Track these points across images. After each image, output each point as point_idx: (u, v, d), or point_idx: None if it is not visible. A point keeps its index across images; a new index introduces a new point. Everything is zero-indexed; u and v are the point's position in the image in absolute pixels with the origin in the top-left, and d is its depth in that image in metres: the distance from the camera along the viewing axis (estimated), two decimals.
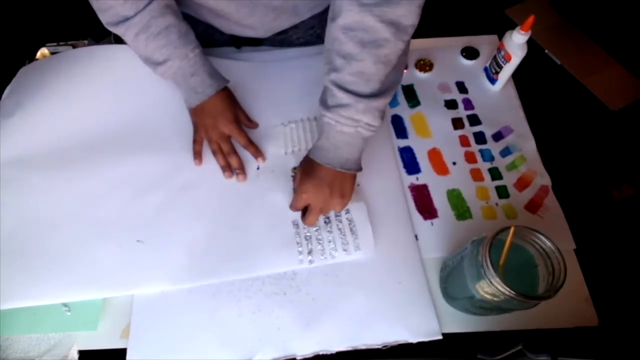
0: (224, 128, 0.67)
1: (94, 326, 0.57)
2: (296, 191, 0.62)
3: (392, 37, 0.50)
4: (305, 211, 0.62)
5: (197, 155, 0.68)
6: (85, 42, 0.83)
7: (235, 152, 0.68)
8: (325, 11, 0.75)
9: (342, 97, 0.53)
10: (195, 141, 0.68)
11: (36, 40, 0.83)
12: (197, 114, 0.68)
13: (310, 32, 0.80)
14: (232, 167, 0.67)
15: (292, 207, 0.63)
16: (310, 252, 0.61)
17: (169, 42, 0.61)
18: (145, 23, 0.59)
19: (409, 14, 0.49)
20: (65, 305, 0.58)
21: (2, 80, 0.74)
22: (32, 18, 1.07)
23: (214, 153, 0.68)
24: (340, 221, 0.63)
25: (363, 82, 0.53)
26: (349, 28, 0.51)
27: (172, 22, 0.61)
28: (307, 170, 0.60)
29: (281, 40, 0.80)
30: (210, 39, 0.78)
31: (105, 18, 0.60)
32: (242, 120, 0.70)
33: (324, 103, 0.56)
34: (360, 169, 0.60)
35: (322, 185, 0.58)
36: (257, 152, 0.68)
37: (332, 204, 0.59)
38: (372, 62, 0.51)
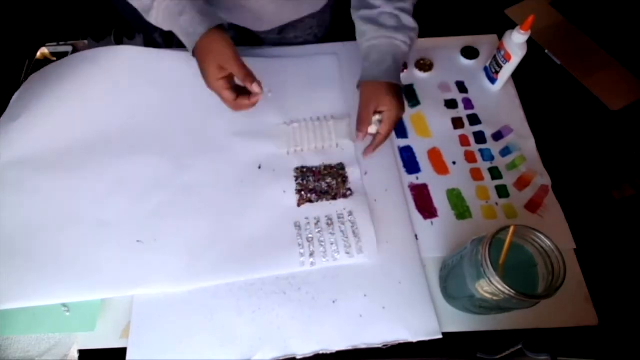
0: (224, 64, 0.59)
1: (92, 327, 0.57)
2: (363, 108, 0.65)
3: None
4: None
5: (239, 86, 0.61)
6: (85, 42, 0.83)
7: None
8: (323, 10, 0.76)
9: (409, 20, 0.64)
10: (210, 85, 0.60)
11: (36, 40, 0.83)
12: (200, 58, 0.60)
13: (309, 32, 0.81)
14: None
15: (360, 127, 0.65)
16: (312, 254, 0.60)
17: None
18: None
19: None
20: (64, 305, 0.58)
21: (2, 79, 0.74)
22: (32, 18, 1.07)
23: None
24: (343, 223, 0.63)
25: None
26: None
27: None
28: (372, 89, 0.64)
29: (280, 40, 0.80)
30: None
31: None
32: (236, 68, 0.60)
33: (383, 25, 0.64)
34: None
35: (396, 94, 0.63)
36: (254, 83, 0.59)
37: (400, 113, 0.64)
38: None
